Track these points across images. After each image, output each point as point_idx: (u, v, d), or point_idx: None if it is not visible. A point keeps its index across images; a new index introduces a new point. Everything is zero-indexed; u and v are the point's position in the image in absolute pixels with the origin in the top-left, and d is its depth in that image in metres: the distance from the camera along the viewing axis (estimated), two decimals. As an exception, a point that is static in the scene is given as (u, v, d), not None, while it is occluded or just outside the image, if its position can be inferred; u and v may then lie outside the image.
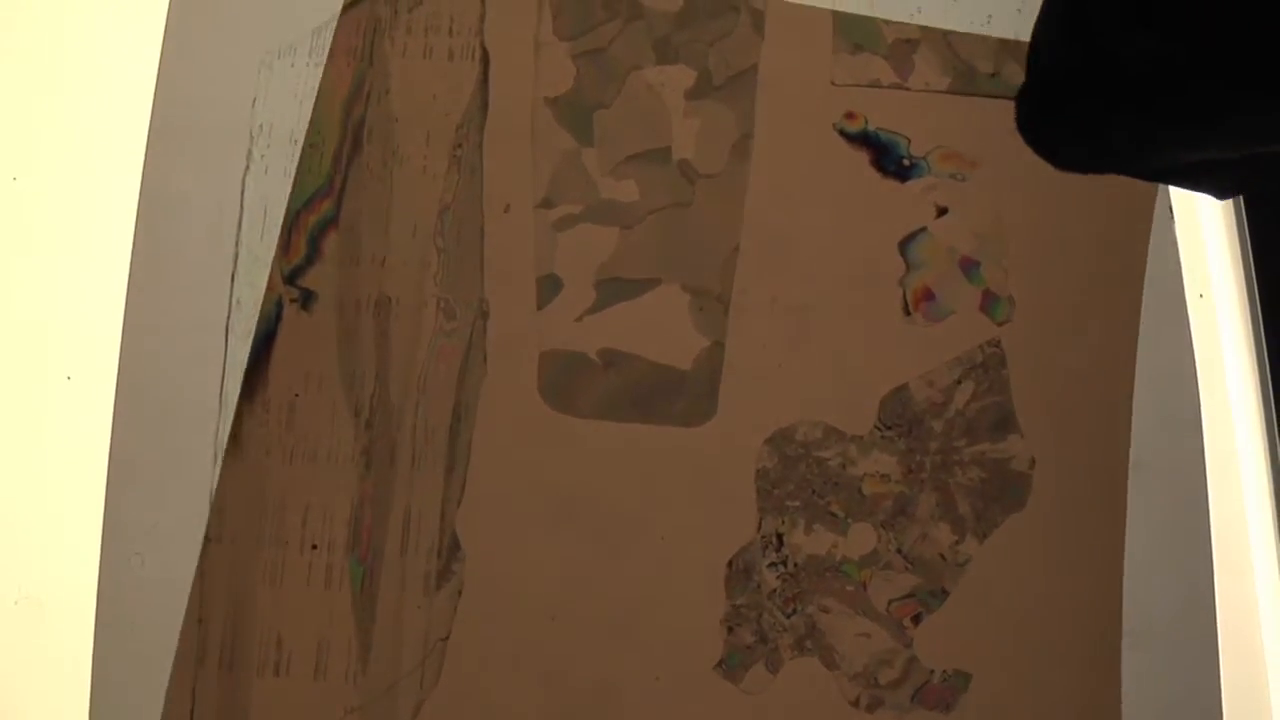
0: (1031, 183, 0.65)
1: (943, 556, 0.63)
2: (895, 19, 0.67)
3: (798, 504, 0.63)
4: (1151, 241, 0.66)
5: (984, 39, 0.67)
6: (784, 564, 0.63)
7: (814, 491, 0.63)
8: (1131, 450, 0.64)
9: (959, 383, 0.64)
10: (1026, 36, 0.68)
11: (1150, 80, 0.34)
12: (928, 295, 0.65)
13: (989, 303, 0.65)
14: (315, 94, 0.67)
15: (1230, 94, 0.32)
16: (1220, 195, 0.56)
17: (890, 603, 0.63)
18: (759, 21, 0.67)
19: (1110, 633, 0.62)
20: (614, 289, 0.65)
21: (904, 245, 0.65)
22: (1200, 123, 0.34)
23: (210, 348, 0.66)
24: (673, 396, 0.64)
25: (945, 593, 0.63)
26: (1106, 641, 0.62)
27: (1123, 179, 0.40)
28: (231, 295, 0.66)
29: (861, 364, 0.64)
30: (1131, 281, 0.65)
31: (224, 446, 0.65)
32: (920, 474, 0.63)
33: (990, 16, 0.67)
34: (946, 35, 0.67)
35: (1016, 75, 0.66)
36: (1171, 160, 0.37)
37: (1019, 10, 0.67)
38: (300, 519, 0.65)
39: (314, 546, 0.64)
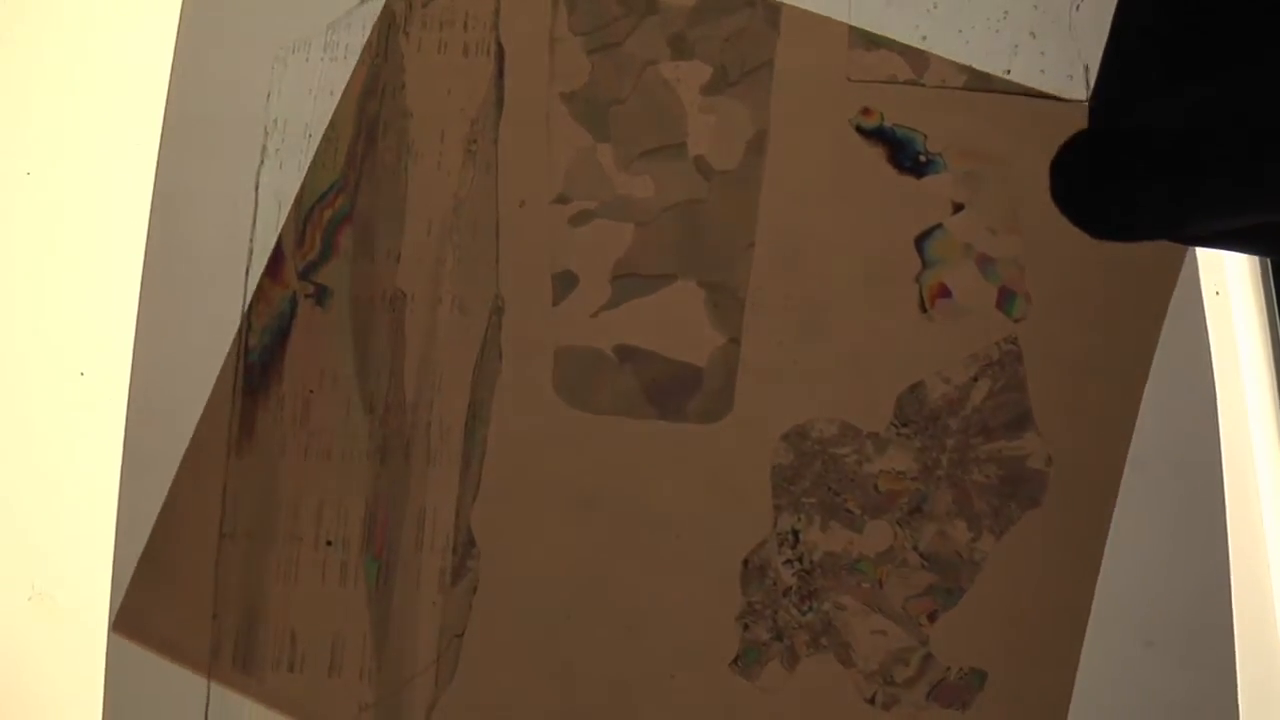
0: (1048, 178, 0.65)
1: (959, 554, 0.63)
2: (910, 13, 0.67)
3: (814, 501, 0.63)
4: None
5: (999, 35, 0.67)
6: (800, 561, 0.63)
7: (830, 488, 0.63)
8: (1146, 448, 0.64)
9: (975, 380, 0.64)
10: (1042, 32, 0.68)
11: (1186, 144, 0.33)
12: (944, 292, 0.65)
13: (1005, 299, 0.65)
14: (331, 88, 0.67)
15: (1265, 157, 0.32)
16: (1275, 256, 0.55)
17: (906, 600, 0.63)
18: (774, 17, 0.67)
19: (1074, 627, 0.62)
20: (629, 285, 0.65)
21: (920, 242, 0.65)
22: (1238, 186, 0.33)
23: (224, 343, 0.66)
24: (689, 393, 0.64)
25: (962, 590, 0.63)
26: (1070, 637, 0.62)
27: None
28: (245, 290, 0.66)
29: (877, 361, 0.64)
30: (1161, 277, 0.64)
31: (236, 442, 0.65)
32: (936, 471, 0.63)
33: (1006, 12, 0.67)
34: (962, 31, 0.67)
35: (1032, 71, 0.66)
36: (1213, 225, 0.36)
37: (1035, 7, 0.67)
38: (315, 515, 0.64)
39: (329, 543, 0.64)
